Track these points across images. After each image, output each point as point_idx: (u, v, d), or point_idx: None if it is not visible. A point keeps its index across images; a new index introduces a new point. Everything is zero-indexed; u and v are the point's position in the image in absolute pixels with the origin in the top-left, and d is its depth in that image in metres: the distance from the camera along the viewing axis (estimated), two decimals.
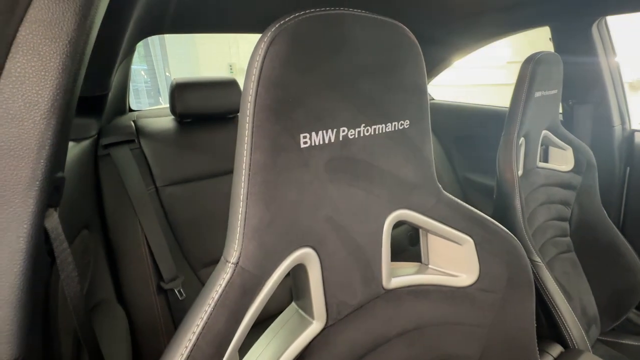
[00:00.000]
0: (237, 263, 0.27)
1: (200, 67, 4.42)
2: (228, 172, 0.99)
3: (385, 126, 0.32)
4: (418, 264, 0.47)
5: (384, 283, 0.39)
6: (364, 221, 0.35)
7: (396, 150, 0.34)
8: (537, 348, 0.47)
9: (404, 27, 0.31)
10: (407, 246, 1.30)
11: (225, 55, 4.67)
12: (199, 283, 0.90)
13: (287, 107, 0.25)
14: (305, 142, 0.27)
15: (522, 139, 0.83)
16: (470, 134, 1.34)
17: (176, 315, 0.82)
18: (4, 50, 0.22)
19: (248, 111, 0.24)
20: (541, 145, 0.91)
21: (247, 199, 0.26)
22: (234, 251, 0.27)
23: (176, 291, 0.82)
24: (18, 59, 0.23)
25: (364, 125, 0.30)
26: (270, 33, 0.24)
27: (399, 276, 0.41)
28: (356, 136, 0.30)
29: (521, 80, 0.77)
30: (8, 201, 0.24)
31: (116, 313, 0.68)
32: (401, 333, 0.40)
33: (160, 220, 0.85)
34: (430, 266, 0.47)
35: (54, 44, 0.23)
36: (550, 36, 0.99)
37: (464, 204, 0.43)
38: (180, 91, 0.91)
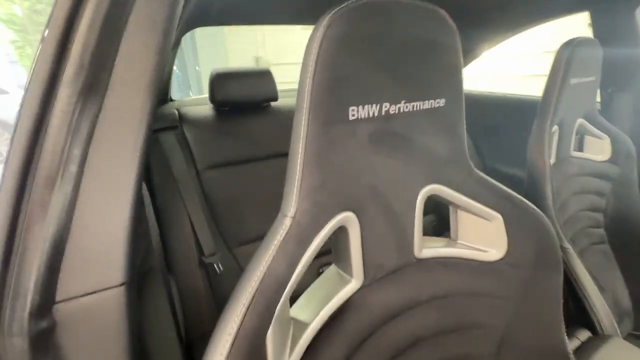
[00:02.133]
0: (294, 216, 0.31)
1: (229, 61, 4.54)
2: (262, 157, 1.05)
3: (423, 103, 0.35)
4: (447, 239, 0.50)
5: (416, 252, 0.42)
6: (401, 191, 0.38)
7: (432, 126, 0.37)
8: (565, 328, 0.49)
9: (444, 12, 0.34)
10: (431, 236, 1.31)
11: (252, 49, 4.76)
12: (233, 260, 0.98)
13: (339, 83, 0.29)
14: (353, 115, 0.31)
15: (555, 127, 0.82)
16: (499, 124, 1.32)
17: (215, 286, 0.90)
18: (119, 36, 0.28)
19: (307, 87, 0.28)
20: (576, 134, 0.90)
21: (303, 162, 0.30)
22: (291, 207, 0.31)
23: (215, 265, 0.90)
24: (129, 40, 0.29)
25: (404, 101, 0.34)
26: (327, 18, 0.28)
27: (429, 247, 0.45)
28: (397, 112, 0.34)
29: (557, 65, 0.76)
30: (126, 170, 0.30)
31: (166, 280, 0.76)
32: (431, 299, 0.44)
33: (200, 201, 0.93)
34: (459, 241, 0.49)
35: (152, 32, 0.29)
36: (589, 22, 0.96)
37: (494, 181, 0.46)
38: (220, 81, 0.97)
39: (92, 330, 0.30)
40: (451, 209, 0.49)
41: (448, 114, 0.38)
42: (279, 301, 0.30)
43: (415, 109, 0.35)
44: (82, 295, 0.30)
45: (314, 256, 0.33)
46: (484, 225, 0.47)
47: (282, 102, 1.13)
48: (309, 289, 0.39)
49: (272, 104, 1.12)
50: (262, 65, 4.78)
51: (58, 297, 0.29)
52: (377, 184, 0.36)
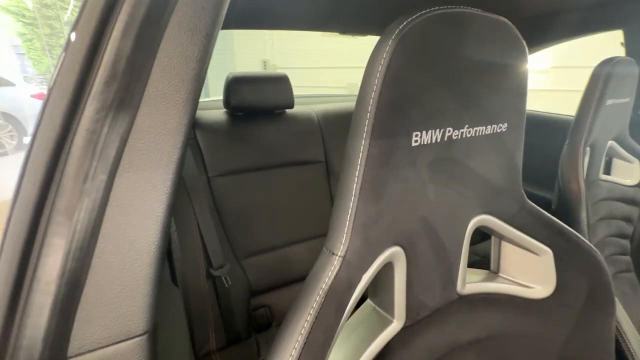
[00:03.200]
0: (345, 256, 0.27)
1: (237, 64, 4.52)
2: (275, 166, 1.01)
3: (485, 128, 0.31)
4: (487, 271, 0.46)
5: (459, 288, 0.38)
6: (452, 223, 0.34)
7: (491, 153, 0.34)
8: None
9: (513, 26, 0.30)
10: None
11: (260, 53, 4.75)
12: (241, 272, 0.93)
13: (406, 104, 0.25)
14: (416, 141, 0.27)
15: (587, 149, 0.79)
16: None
17: (222, 300, 0.85)
18: (157, 43, 0.24)
19: (369, 107, 0.24)
20: (605, 157, 0.86)
21: (359, 193, 0.26)
22: (340, 244, 0.27)
23: (223, 278, 0.85)
24: (168, 48, 0.25)
25: (467, 126, 0.30)
26: (398, 30, 0.24)
27: (472, 282, 0.41)
28: (459, 137, 0.30)
29: (593, 84, 0.72)
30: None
31: (173, 293, 0.72)
32: (473, 341, 0.39)
33: (210, 209, 0.89)
34: (500, 274, 0.45)
35: (193, 38, 0.25)
36: (622, 40, 0.93)
37: (546, 213, 0.42)
38: (235, 85, 0.93)
39: None
40: (494, 239, 0.45)
41: (508, 140, 0.34)
42: (326, 353, 0.25)
43: (477, 134, 0.31)
44: (97, 349, 0.25)
45: (359, 298, 0.29)
46: (530, 259, 0.43)
47: (298, 109, 1.10)
48: (343, 332, 0.35)
49: (287, 111, 1.08)
50: (270, 68, 4.76)
51: (71, 352, 0.25)
52: (430, 216, 0.32)
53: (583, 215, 0.72)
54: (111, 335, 0.26)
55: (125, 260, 0.26)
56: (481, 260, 1.15)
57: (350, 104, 1.28)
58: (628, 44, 0.92)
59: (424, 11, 0.24)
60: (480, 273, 0.45)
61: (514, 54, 0.31)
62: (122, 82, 0.23)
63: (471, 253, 0.39)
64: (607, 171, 0.93)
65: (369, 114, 0.24)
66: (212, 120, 0.99)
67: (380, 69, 0.24)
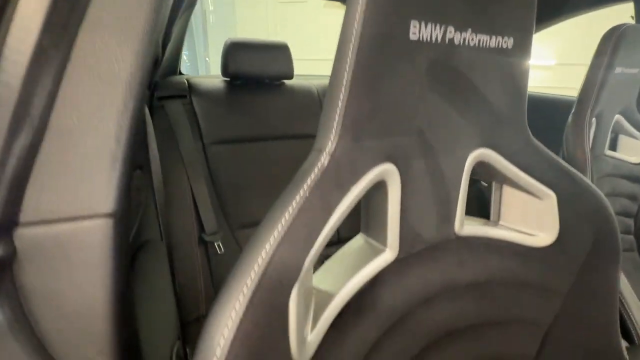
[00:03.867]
0: (333, 154, 0.25)
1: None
2: (272, 137, 0.99)
3: (490, 39, 0.29)
4: (485, 220, 0.44)
5: (457, 228, 0.36)
6: (451, 148, 0.32)
7: (495, 72, 0.31)
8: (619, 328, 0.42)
9: None
10: None
11: (263, 34, 4.71)
12: (234, 242, 0.91)
13: None
14: (414, 33, 0.25)
15: (593, 119, 0.76)
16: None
17: (213, 267, 0.84)
18: None
19: None
20: (611, 132, 0.84)
21: (350, 82, 0.24)
22: (329, 141, 0.25)
23: (216, 245, 0.83)
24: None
25: (470, 30, 0.28)
26: None
27: (471, 225, 0.38)
28: (461, 43, 0.28)
29: (601, 50, 0.70)
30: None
31: (162, 253, 0.70)
32: (471, 284, 0.37)
33: (204, 175, 0.87)
34: (501, 223, 0.43)
35: None
36: (633, 14, 0.90)
37: (552, 153, 0.39)
38: (234, 51, 0.91)
39: (65, 268, 0.24)
40: (495, 185, 0.43)
41: (514, 59, 0.32)
42: (308, 254, 0.23)
43: (481, 44, 0.29)
44: (54, 221, 0.23)
45: (351, 207, 0.26)
46: (532, 204, 0.41)
47: (297, 82, 1.08)
48: (332, 259, 0.33)
49: (287, 82, 1.06)
50: None
51: (23, 218, 0.23)
52: (428, 132, 0.29)
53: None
54: (69, 210, 0.24)
55: (87, 127, 0.24)
56: None
57: None
58: (639, 15, 0.90)
59: None
60: (478, 220, 0.42)
61: None
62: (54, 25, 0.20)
63: None
64: (613, 148, 0.91)
65: None
66: (209, 87, 0.97)
67: None
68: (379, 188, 0.31)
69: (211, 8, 4.64)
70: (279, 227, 0.23)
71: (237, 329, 0.20)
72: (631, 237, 0.89)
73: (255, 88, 0.99)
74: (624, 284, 0.69)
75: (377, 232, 0.33)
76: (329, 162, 0.25)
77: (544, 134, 0.91)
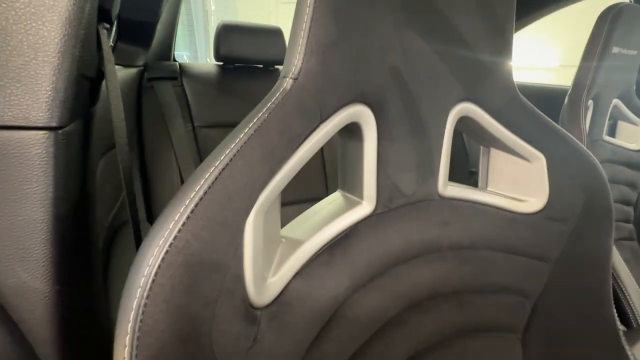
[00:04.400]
0: (297, 78, 0.23)
1: None
2: None
3: None
4: (473, 186, 0.42)
5: (440, 187, 0.34)
6: (432, 96, 0.30)
7: (477, 13, 0.30)
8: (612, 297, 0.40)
9: None
10: None
11: (265, 13, 4.71)
12: None
13: None
14: None
15: (590, 102, 0.75)
16: None
17: None
18: None
19: None
20: (609, 119, 0.82)
21: (314, 3, 0.22)
22: (293, 65, 0.23)
23: None
24: None
25: None
26: None
27: (456, 186, 0.37)
28: None
29: (598, 30, 0.68)
30: None
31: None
32: (455, 247, 0.35)
33: (194, 158, 0.85)
34: (489, 189, 0.41)
35: None
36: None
37: (539, 112, 0.38)
38: (226, 33, 0.90)
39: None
40: (482, 150, 0.41)
41: (498, 3, 0.30)
42: (268, 182, 0.22)
43: None
44: None
45: (319, 145, 0.25)
46: (520, 168, 0.39)
47: None
48: (305, 212, 0.31)
49: (281, 68, 1.05)
50: None
51: None
52: (404, 71, 0.28)
53: None
54: (5, 117, 0.22)
55: (24, 28, 0.22)
56: None
57: None
58: None
59: None
60: (465, 186, 0.41)
61: None
62: None
63: None
64: (612, 134, 0.89)
65: None
66: (200, 70, 0.96)
67: None
68: (353, 134, 0.29)
69: (213, 8, 4.66)
70: (232, 145, 0.21)
71: (175, 237, 0.18)
72: (631, 225, 0.87)
73: (249, 73, 0.98)
74: (622, 268, 0.67)
75: (354, 185, 0.31)
76: (292, 86, 0.23)
77: None
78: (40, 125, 0.22)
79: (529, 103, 0.37)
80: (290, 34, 0.24)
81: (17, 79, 0.22)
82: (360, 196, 0.30)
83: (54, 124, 0.23)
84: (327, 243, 0.28)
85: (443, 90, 0.31)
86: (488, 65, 0.33)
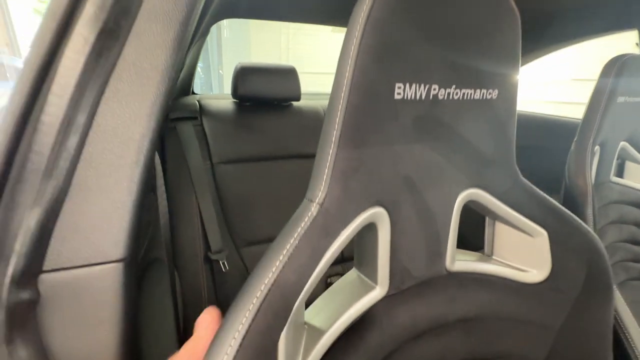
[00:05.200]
0: (322, 204, 0.27)
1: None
2: (278, 157, 1.02)
3: (474, 92, 0.31)
4: (479, 254, 0.45)
5: (448, 264, 0.37)
6: (439, 191, 0.34)
7: (480, 120, 0.33)
8: None
9: None
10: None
11: (276, 55, 4.84)
12: (239, 260, 0.94)
13: (388, 52, 0.25)
14: (398, 94, 0.27)
15: (597, 148, 0.76)
16: (529, 144, 1.25)
17: (218, 284, 0.86)
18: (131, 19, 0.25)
19: (351, 52, 0.25)
20: (617, 159, 0.83)
21: (339, 140, 0.26)
22: (319, 192, 0.27)
23: (221, 263, 0.86)
24: (141, 25, 0.26)
25: (454, 86, 0.30)
26: None
27: (462, 260, 0.40)
28: (445, 97, 0.30)
29: (603, 81, 0.71)
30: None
31: (171, 272, 0.72)
32: (461, 319, 0.38)
33: (212, 195, 0.90)
34: (494, 257, 0.44)
35: (169, 23, 0.26)
36: (637, 41, 0.91)
37: (541, 192, 0.40)
38: (244, 74, 0.95)
39: (80, 309, 0.27)
40: (488, 220, 0.44)
41: (499, 108, 0.34)
42: (297, 298, 0.25)
43: (465, 97, 0.31)
44: (73, 267, 0.26)
45: (339, 252, 0.28)
46: (524, 241, 0.42)
47: (305, 103, 1.11)
48: (325, 294, 0.35)
49: (294, 103, 1.09)
50: None
51: (46, 266, 0.25)
52: (415, 177, 0.31)
53: (589, 212, 0.69)
54: (86, 257, 0.26)
55: (104, 185, 0.27)
56: None
57: None
58: None
59: None
60: (471, 254, 0.43)
61: (505, 20, 0.31)
62: (111, 13, 0.24)
63: None
64: (620, 174, 0.90)
65: (350, 59, 0.25)
66: (219, 108, 1.01)
67: (362, 13, 0.24)
68: (369, 228, 0.32)
69: (225, 35, 4.79)
70: (270, 274, 0.25)
71: None
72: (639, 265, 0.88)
73: (264, 109, 1.03)
74: (626, 314, 0.68)
75: (368, 269, 0.34)
76: (318, 212, 0.27)
77: (552, 155, 0.91)
78: (113, 259, 0.27)
79: (531, 185, 0.40)
80: (315, 162, 0.28)
81: (96, 224, 0.26)
82: (375, 281, 0.33)
83: (123, 256, 0.27)
84: (345, 329, 0.31)
85: (450, 183, 0.35)
86: (492, 158, 0.36)
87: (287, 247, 0.25)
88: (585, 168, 0.70)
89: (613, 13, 0.82)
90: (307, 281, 0.26)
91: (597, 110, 0.71)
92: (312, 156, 1.18)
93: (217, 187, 0.93)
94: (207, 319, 0.27)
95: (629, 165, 0.88)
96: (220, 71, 5.03)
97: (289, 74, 1.01)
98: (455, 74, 0.29)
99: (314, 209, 0.27)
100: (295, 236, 0.26)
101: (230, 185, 0.95)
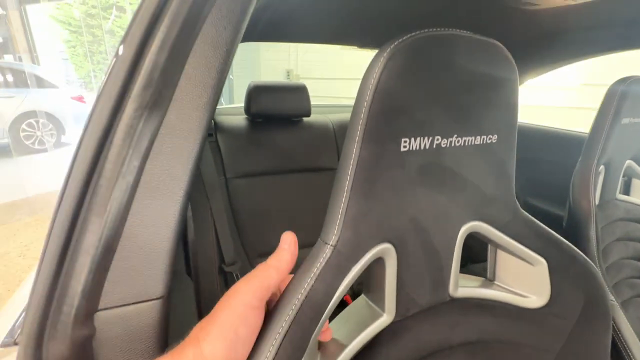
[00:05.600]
0: (335, 246, 0.30)
1: (262, 73, 4.70)
2: (290, 170, 1.06)
3: (475, 139, 0.34)
4: (482, 278, 0.47)
5: (451, 290, 0.40)
6: (443, 226, 0.36)
7: (481, 162, 0.36)
8: None
9: (503, 47, 0.33)
10: (467, 262, 1.27)
11: (284, 63, 4.91)
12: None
13: (395, 114, 0.28)
14: (404, 147, 0.30)
15: (602, 167, 0.78)
16: (536, 156, 1.27)
17: None
18: (185, 56, 0.29)
19: (362, 115, 0.28)
20: (623, 176, 0.84)
21: (350, 191, 0.29)
22: (333, 235, 0.30)
23: (234, 275, 0.90)
24: (194, 60, 0.30)
25: (456, 135, 0.33)
26: (389, 49, 0.27)
27: (465, 287, 0.42)
28: (448, 145, 0.32)
29: (608, 103, 0.72)
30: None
31: (187, 284, 0.76)
32: (464, 343, 0.41)
33: (225, 208, 0.94)
34: (496, 282, 0.46)
35: (215, 53, 0.30)
36: None
37: (540, 224, 0.43)
38: (256, 93, 0.99)
39: (126, 342, 0.30)
40: (490, 247, 0.47)
41: (499, 151, 0.37)
42: (314, 332, 0.28)
43: (466, 143, 0.34)
44: (122, 305, 0.30)
45: (349, 286, 0.31)
46: (525, 268, 0.44)
47: (315, 117, 1.15)
48: (336, 319, 0.38)
49: (305, 119, 1.13)
50: (293, 78, 4.91)
51: (101, 305, 0.30)
52: (420, 217, 0.34)
53: (592, 234, 0.71)
54: (134, 295, 0.30)
55: (148, 233, 0.31)
56: None
57: None
58: None
59: (414, 33, 0.28)
60: (475, 279, 0.46)
61: (503, 72, 0.33)
62: (155, 87, 0.28)
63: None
64: (627, 191, 0.91)
65: (361, 120, 0.28)
66: (232, 125, 1.05)
67: (372, 82, 0.27)
68: (377, 261, 0.35)
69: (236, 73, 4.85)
70: (289, 312, 0.28)
71: None
72: None
73: (275, 125, 1.07)
74: (629, 332, 0.69)
75: (376, 297, 0.37)
76: (332, 253, 0.30)
77: (558, 168, 0.92)
78: (154, 297, 0.31)
79: (531, 217, 0.42)
80: (329, 208, 0.31)
81: (142, 266, 0.30)
82: (382, 308, 0.36)
83: (162, 294, 0.31)
84: (353, 356, 0.34)
85: (453, 219, 0.37)
86: (493, 194, 0.39)
87: (305, 287, 0.29)
88: (589, 189, 0.72)
89: (619, 32, 0.84)
90: (322, 316, 0.29)
91: (601, 132, 0.73)
92: (321, 170, 1.22)
93: (231, 200, 0.97)
94: (290, 236, 0.31)
95: (635, 182, 0.89)
96: (231, 76, 5.12)
97: (299, 91, 1.05)
98: (457, 124, 0.32)
99: (327, 250, 0.30)
100: (312, 276, 0.29)
101: (244, 199, 0.99)
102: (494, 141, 0.36)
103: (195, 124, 0.30)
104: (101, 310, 0.30)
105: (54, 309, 0.28)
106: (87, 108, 5.16)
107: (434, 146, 0.32)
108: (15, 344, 0.40)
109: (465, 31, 0.30)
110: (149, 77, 0.28)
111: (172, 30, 0.28)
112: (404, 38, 0.27)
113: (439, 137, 0.32)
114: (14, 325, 0.44)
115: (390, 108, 0.28)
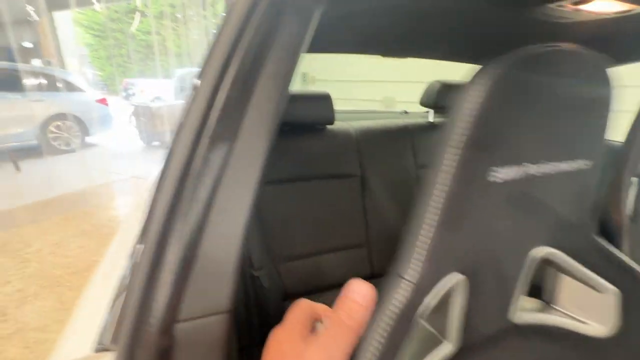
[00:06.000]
0: (416, 283, 0.28)
1: None
2: (314, 177, 1.06)
3: (568, 164, 0.32)
4: (539, 301, 0.45)
5: (513, 317, 0.38)
6: (516, 254, 0.34)
7: (569, 189, 0.33)
8: None
9: (605, 60, 0.30)
10: None
11: (301, 65, 4.90)
12: (277, 276, 0.98)
13: (489, 142, 0.26)
14: (494, 176, 0.28)
15: (634, 179, 0.73)
16: None
17: (259, 300, 0.90)
18: (252, 90, 0.33)
19: (457, 144, 0.25)
20: None
21: (438, 226, 0.27)
22: (408, 269, 0.28)
23: (261, 279, 0.90)
24: (259, 91, 0.33)
25: (547, 162, 0.30)
26: (495, 71, 0.25)
27: (526, 311, 0.40)
28: (537, 173, 0.30)
29: None
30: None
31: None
32: None
33: (253, 215, 0.94)
34: (553, 305, 0.44)
35: (277, 83, 0.34)
36: None
37: (615, 249, 0.40)
38: None
39: (198, 353, 0.33)
40: (549, 269, 0.44)
41: (590, 177, 0.34)
42: None
43: (558, 170, 0.31)
44: (197, 317, 0.32)
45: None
46: (587, 293, 0.41)
47: (337, 125, 1.14)
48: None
49: (328, 126, 1.12)
50: (309, 81, 4.90)
51: (180, 317, 0.32)
52: (498, 247, 0.32)
53: (625, 249, 0.66)
54: (206, 308, 0.33)
55: (219, 252, 0.34)
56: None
57: (386, 122, 1.31)
58: None
59: (520, 50, 0.25)
60: (532, 302, 0.43)
61: (601, 90, 0.31)
62: (228, 119, 0.32)
63: None
64: None
65: (456, 151, 0.26)
66: None
67: (472, 106, 0.25)
68: (446, 291, 0.34)
69: None
70: (373, 348, 0.27)
71: None
72: None
73: (300, 132, 1.06)
74: None
75: (440, 325, 0.35)
76: (408, 287, 0.28)
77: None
78: (224, 310, 0.33)
79: (603, 242, 0.39)
80: (405, 238, 0.29)
81: (215, 279, 0.33)
82: (444, 335, 0.35)
83: (230, 308, 0.33)
84: None
85: (527, 246, 0.35)
86: (574, 221, 0.36)
87: (383, 326, 0.27)
88: (620, 202, 0.68)
89: None
90: (398, 350, 0.28)
91: (635, 140, 0.68)
92: (344, 176, 1.20)
93: (257, 207, 0.97)
94: (366, 288, 0.29)
95: None
96: None
97: (324, 99, 1.04)
98: (549, 151, 0.30)
99: (403, 284, 0.29)
100: (389, 314, 0.28)
101: (269, 205, 0.98)
102: (584, 167, 0.33)
103: (258, 150, 0.31)
104: (180, 321, 0.32)
105: (143, 320, 0.31)
106: (109, 110, 5.34)
107: (524, 174, 0.29)
108: (107, 350, 0.43)
109: (571, 44, 0.28)
110: (223, 111, 0.32)
111: (241, 68, 0.32)
112: (508, 58, 0.25)
113: (528, 164, 0.29)
114: (103, 331, 0.47)
115: (485, 135, 0.26)
